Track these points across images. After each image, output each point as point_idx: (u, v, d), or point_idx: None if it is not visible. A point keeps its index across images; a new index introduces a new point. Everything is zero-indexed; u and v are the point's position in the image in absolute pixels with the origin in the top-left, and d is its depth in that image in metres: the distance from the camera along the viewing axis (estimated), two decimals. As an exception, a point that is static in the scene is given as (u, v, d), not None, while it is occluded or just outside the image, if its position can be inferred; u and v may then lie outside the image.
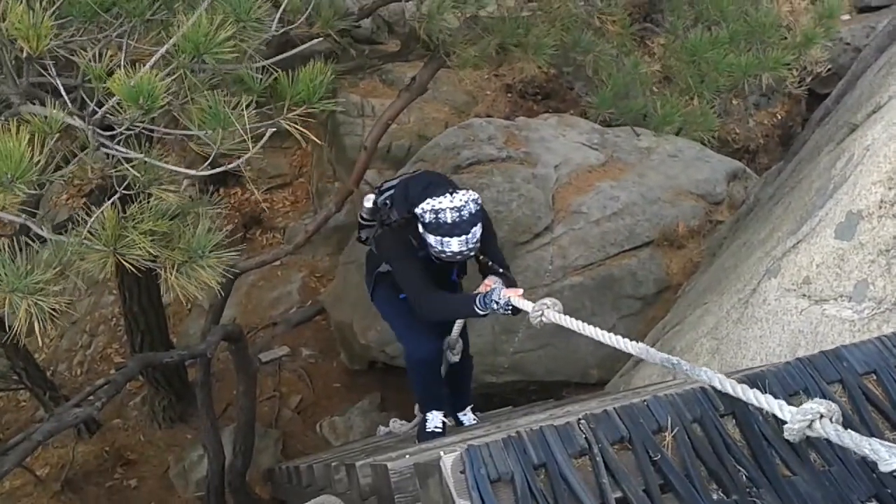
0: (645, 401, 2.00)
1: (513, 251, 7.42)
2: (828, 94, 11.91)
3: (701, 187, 8.11)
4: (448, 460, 1.88)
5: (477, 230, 3.25)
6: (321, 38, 3.35)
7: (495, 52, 3.87)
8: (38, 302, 2.18)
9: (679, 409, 1.99)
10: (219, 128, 2.14)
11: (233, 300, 7.61)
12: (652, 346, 5.13)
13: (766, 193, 6.13)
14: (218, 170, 2.28)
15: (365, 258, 4.08)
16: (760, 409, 1.99)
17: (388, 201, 3.62)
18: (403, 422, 4.80)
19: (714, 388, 2.01)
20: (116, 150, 2.17)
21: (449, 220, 3.17)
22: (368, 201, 3.74)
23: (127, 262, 2.31)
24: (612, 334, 2.34)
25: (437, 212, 3.20)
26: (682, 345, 4.29)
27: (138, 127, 2.10)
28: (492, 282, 3.43)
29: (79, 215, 2.45)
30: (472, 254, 3.34)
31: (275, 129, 2.24)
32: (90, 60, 2.29)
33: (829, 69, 12.11)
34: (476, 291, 3.38)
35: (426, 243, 3.31)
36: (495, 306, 3.20)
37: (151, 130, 2.24)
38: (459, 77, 10.26)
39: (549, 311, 2.45)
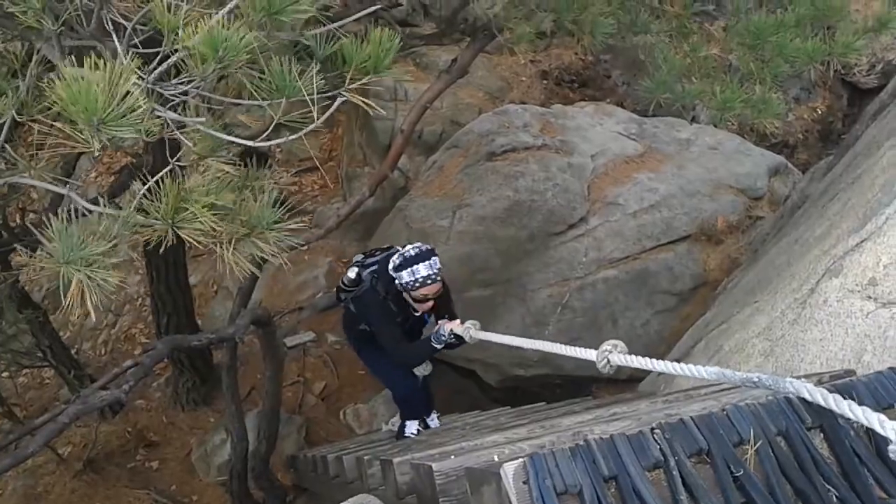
0: (725, 410, 1.83)
1: (546, 242, 7.23)
2: (872, 89, 11.58)
3: (741, 181, 7.86)
4: (510, 469, 1.71)
5: (436, 258, 4.25)
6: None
7: (550, 30, 3.70)
8: (91, 275, 2.06)
9: (762, 420, 1.81)
10: (284, 97, 2.00)
11: (259, 283, 7.51)
12: (694, 345, 4.93)
13: (815, 189, 5.89)
14: (278, 141, 2.14)
15: (343, 318, 5.11)
16: (852, 423, 1.81)
17: (374, 275, 4.51)
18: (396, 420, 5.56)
19: (801, 399, 1.83)
20: (172, 115, 2.02)
21: (413, 254, 4.22)
22: (352, 272, 4.62)
23: (186, 236, 2.18)
24: (684, 364, 2.14)
25: (402, 255, 4.24)
26: (730, 344, 4.09)
27: (196, 91, 1.95)
28: (443, 323, 4.41)
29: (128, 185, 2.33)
30: (439, 278, 4.27)
31: (344, 99, 2.09)
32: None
33: (874, 66, 11.75)
34: (431, 334, 4.45)
35: (403, 286, 4.26)
36: (444, 339, 4.28)
37: (205, 99, 2.09)
38: (494, 62, 10.09)
39: (614, 356, 2.33)
